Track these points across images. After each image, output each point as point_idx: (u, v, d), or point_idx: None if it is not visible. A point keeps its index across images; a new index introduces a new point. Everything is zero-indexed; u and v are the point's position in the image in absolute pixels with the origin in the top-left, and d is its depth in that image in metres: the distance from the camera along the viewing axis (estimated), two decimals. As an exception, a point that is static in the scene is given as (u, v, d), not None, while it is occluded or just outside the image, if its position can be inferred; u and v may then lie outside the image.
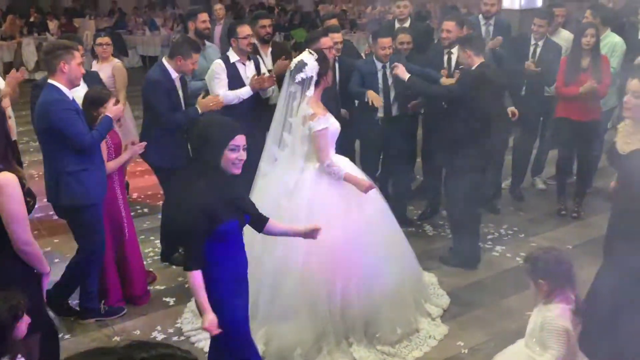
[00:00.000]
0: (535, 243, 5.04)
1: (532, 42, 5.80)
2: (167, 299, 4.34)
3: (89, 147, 3.67)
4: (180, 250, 4.90)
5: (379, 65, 5.12)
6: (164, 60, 4.54)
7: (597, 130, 5.64)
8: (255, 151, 4.19)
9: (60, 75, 3.61)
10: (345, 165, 3.76)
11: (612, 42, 5.82)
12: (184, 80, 4.66)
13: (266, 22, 5.42)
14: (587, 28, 5.29)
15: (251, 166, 3.69)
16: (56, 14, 16.13)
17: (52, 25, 14.77)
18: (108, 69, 5.75)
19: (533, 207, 5.87)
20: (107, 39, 5.85)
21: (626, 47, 5.84)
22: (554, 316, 2.71)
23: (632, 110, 3.07)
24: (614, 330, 2.96)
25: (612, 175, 6.17)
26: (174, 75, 4.46)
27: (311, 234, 3.01)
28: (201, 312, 2.63)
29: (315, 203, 3.62)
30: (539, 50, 5.75)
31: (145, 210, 5.95)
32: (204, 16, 5.32)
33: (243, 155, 2.64)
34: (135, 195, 6.31)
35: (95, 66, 5.88)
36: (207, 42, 5.36)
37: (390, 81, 5.13)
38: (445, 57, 5.36)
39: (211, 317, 2.57)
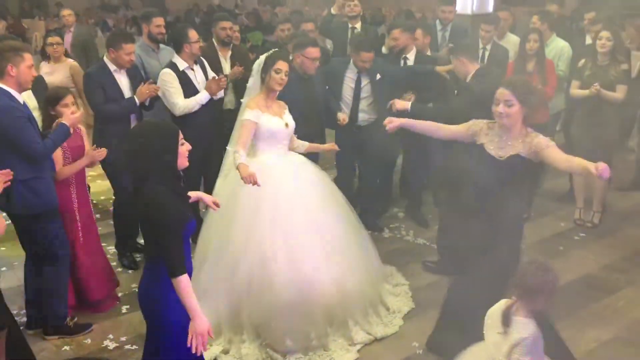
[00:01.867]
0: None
1: (480, 46, 5.93)
2: (120, 306, 4.25)
3: (41, 156, 3.56)
4: (129, 254, 4.86)
5: (353, 70, 5.05)
6: (104, 56, 4.60)
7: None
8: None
9: (9, 79, 3.50)
10: (254, 166, 3.70)
11: (557, 46, 6.01)
12: (133, 74, 4.65)
13: (226, 24, 5.37)
14: (530, 33, 5.45)
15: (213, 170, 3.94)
16: (3, 15, 15.62)
17: (0, 26, 14.29)
18: (64, 70, 5.61)
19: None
20: (57, 39, 5.72)
21: (573, 52, 6.02)
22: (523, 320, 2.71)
23: (504, 118, 3.24)
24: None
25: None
26: (113, 68, 4.52)
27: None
28: (193, 317, 2.47)
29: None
30: (487, 54, 5.89)
31: (97, 215, 5.80)
32: (158, 20, 5.25)
33: (188, 145, 2.65)
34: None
35: (47, 67, 5.74)
36: (161, 45, 5.28)
37: (364, 88, 5.07)
38: (402, 63, 5.41)
39: (207, 322, 2.44)
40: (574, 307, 4.24)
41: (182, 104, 4.67)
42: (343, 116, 4.99)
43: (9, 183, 3.05)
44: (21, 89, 3.59)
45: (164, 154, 2.54)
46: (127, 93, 4.59)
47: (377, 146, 4.99)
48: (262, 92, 3.95)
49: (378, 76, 5.02)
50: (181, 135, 2.62)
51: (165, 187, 2.53)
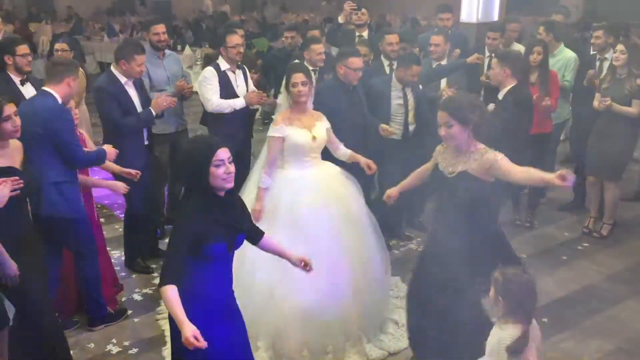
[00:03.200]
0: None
1: (487, 54, 5.95)
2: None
3: (80, 162, 3.78)
4: (139, 259, 4.88)
5: (397, 87, 5.02)
6: (112, 67, 4.55)
7: (548, 142, 5.79)
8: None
9: (63, 89, 3.71)
10: (275, 185, 3.82)
11: (565, 57, 5.99)
12: (139, 84, 4.65)
13: (240, 32, 5.41)
14: (535, 46, 5.45)
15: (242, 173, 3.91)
16: (11, 19, 15.73)
17: (8, 29, 14.38)
18: None
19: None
20: (64, 45, 5.74)
21: (580, 62, 6.03)
22: (506, 336, 2.67)
23: (448, 140, 3.22)
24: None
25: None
26: (123, 80, 4.47)
27: (300, 264, 2.94)
28: (179, 326, 2.42)
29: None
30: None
31: (102, 219, 5.83)
32: (157, 28, 5.20)
33: (230, 168, 2.58)
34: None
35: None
36: (167, 51, 5.31)
37: (409, 101, 5.04)
38: (388, 69, 5.51)
39: (192, 328, 2.36)
40: (577, 317, 4.24)
41: (215, 102, 4.78)
42: (385, 126, 4.84)
43: (18, 192, 3.06)
44: (64, 101, 3.76)
45: (190, 171, 2.57)
46: (136, 104, 4.56)
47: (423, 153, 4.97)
48: (288, 107, 3.99)
49: (420, 87, 5.04)
50: (220, 157, 2.55)
51: (194, 201, 2.56)
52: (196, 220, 2.53)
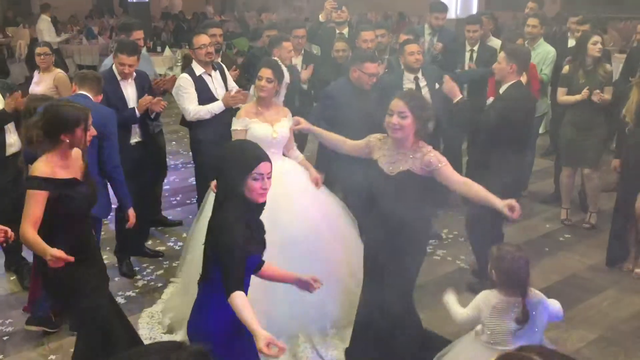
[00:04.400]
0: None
1: (468, 48, 5.99)
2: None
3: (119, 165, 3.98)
4: (127, 261, 4.86)
5: (409, 78, 5.02)
6: (113, 65, 4.66)
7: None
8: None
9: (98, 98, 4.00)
10: None
11: (544, 50, 6.07)
12: (141, 83, 4.68)
13: (217, 31, 5.39)
14: (519, 38, 5.49)
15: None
16: (-13, 23, 15.52)
17: (-17, 34, 14.20)
18: (49, 80, 5.59)
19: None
20: (45, 49, 5.67)
21: (557, 55, 6.09)
22: (492, 296, 2.89)
23: (397, 131, 3.18)
24: None
25: (546, 179, 6.48)
26: (119, 77, 4.57)
27: (305, 285, 2.81)
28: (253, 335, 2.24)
29: None
30: (475, 55, 5.94)
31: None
32: (138, 34, 5.24)
33: (268, 184, 2.51)
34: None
35: (37, 76, 5.70)
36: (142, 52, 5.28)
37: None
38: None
39: (265, 336, 2.15)
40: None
41: (193, 111, 4.71)
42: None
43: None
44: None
45: (228, 172, 2.50)
46: (132, 103, 4.60)
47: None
48: (254, 100, 4.05)
49: (437, 86, 4.95)
50: (261, 170, 2.47)
51: (239, 214, 2.47)
52: (242, 229, 2.44)
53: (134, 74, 4.65)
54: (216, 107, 4.75)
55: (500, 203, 3.00)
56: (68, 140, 2.93)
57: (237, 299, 2.29)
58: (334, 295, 3.85)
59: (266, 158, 2.51)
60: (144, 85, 4.75)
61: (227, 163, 2.52)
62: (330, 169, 4.52)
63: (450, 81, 4.35)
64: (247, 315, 2.24)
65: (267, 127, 3.95)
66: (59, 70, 5.82)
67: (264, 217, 3.41)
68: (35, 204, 2.82)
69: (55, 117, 2.93)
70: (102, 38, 14.23)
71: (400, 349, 3.41)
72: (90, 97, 3.94)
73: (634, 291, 4.56)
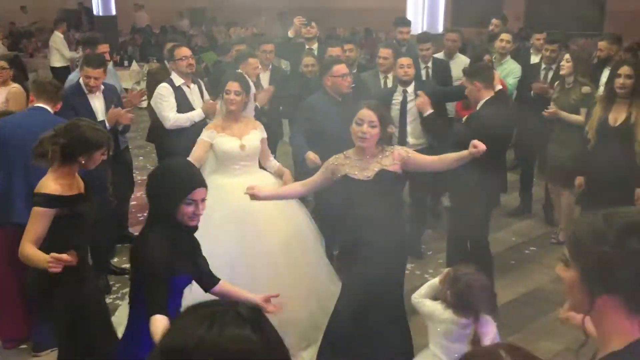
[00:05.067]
0: (441, 259, 5.21)
1: (422, 65, 6.10)
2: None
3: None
4: (104, 276, 4.78)
5: (399, 93, 5.10)
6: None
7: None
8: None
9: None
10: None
11: (510, 67, 6.25)
12: (109, 96, 4.66)
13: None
14: (484, 54, 5.59)
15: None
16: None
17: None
18: (3, 94, 5.46)
19: (441, 225, 6.06)
20: (3, 63, 5.56)
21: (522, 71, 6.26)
22: (445, 316, 2.89)
23: (366, 140, 3.30)
24: None
25: (512, 192, 6.58)
26: (86, 90, 4.55)
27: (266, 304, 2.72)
28: None
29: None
30: (430, 71, 6.05)
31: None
32: (103, 47, 5.24)
33: (201, 209, 2.48)
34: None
35: (-5, 91, 5.58)
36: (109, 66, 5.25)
37: (410, 111, 5.07)
38: (383, 82, 5.63)
39: None
40: (525, 320, 4.34)
41: (173, 118, 4.75)
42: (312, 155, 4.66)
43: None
44: None
45: (160, 198, 2.45)
46: (100, 116, 4.56)
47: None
48: (224, 114, 4.06)
49: (417, 92, 4.98)
50: (196, 197, 2.44)
51: (165, 236, 2.44)
52: (165, 249, 2.41)
53: (102, 87, 4.64)
54: (196, 115, 4.79)
55: (466, 152, 3.23)
56: (84, 162, 2.95)
57: (155, 322, 2.24)
58: (299, 313, 3.82)
59: (202, 184, 2.48)
60: (113, 99, 4.73)
61: (162, 185, 2.47)
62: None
63: (424, 96, 4.43)
64: (160, 333, 2.16)
65: (234, 140, 3.95)
66: (14, 84, 5.71)
67: (230, 231, 3.39)
68: (41, 221, 2.79)
69: (79, 139, 2.92)
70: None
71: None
72: (49, 108, 3.89)
73: None
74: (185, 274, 2.51)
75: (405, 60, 5.15)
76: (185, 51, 4.90)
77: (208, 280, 2.72)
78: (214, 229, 3.62)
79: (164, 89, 4.81)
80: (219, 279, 2.74)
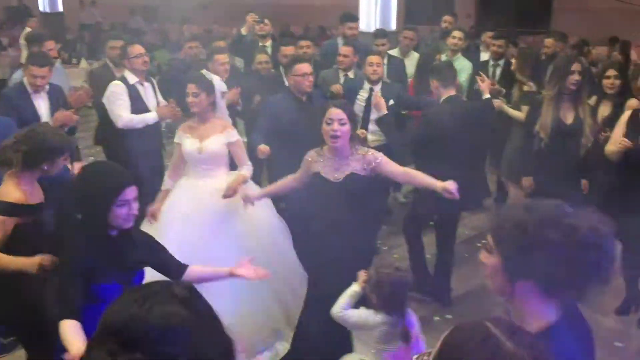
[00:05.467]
0: (397, 255, 5.28)
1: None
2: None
3: None
4: None
5: (365, 89, 5.14)
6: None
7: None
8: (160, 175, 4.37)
9: None
10: (174, 189, 3.95)
11: (461, 64, 6.32)
12: (54, 97, 4.50)
13: (117, 43, 5.28)
14: (436, 52, 5.67)
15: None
16: None
17: None
18: None
19: (395, 220, 6.12)
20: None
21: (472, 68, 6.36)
22: (373, 320, 2.88)
23: (338, 139, 3.31)
24: None
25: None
26: (30, 89, 4.37)
27: (245, 269, 2.73)
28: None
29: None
30: (385, 68, 6.10)
31: None
32: (49, 44, 5.10)
33: (134, 208, 2.40)
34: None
35: None
36: (57, 65, 5.11)
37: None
38: (343, 79, 5.60)
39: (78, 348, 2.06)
40: (479, 311, 4.41)
41: (127, 118, 4.62)
42: (361, 130, 4.73)
43: None
44: None
45: (87, 203, 2.37)
46: (45, 117, 4.40)
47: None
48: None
49: (391, 102, 4.97)
50: (127, 196, 2.36)
51: (90, 240, 2.37)
52: (85, 257, 2.34)
53: (47, 87, 4.47)
54: (150, 117, 4.68)
55: (439, 185, 3.24)
56: (47, 168, 2.90)
57: (63, 327, 2.21)
58: (273, 305, 3.88)
59: (130, 182, 2.40)
60: (59, 99, 4.56)
61: (89, 190, 2.37)
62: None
63: (378, 96, 4.45)
64: (68, 338, 2.16)
65: (195, 142, 3.88)
66: None
67: (189, 234, 3.34)
68: (1, 229, 2.72)
69: (41, 145, 2.86)
70: (12, 50, 13.56)
71: None
72: None
73: None
74: (112, 284, 2.39)
75: (374, 59, 5.19)
76: (139, 48, 4.80)
77: (176, 270, 2.67)
78: (180, 225, 3.67)
79: (117, 86, 4.68)
80: (186, 266, 2.69)
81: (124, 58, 4.79)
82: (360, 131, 4.66)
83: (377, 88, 5.16)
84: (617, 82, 4.59)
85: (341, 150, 3.36)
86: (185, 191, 3.90)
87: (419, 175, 3.48)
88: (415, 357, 1.35)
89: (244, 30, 6.52)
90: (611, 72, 4.62)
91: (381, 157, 3.39)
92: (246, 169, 3.99)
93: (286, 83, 5.49)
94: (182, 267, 2.68)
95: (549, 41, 6.44)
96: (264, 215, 4.04)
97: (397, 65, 6.21)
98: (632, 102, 4.66)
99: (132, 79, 4.76)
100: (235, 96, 5.28)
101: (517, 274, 1.44)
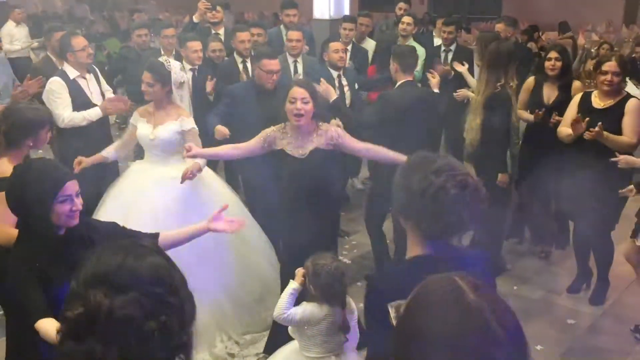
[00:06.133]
0: (355, 241, 5.30)
1: None
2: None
3: None
4: None
5: (334, 73, 5.13)
6: None
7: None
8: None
9: None
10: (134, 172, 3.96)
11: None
12: None
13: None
14: (392, 39, 5.69)
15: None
16: None
17: None
18: None
19: (353, 206, 6.14)
20: None
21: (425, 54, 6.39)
22: (310, 310, 2.86)
23: (303, 117, 3.42)
24: None
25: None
26: None
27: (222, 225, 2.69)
28: None
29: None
30: (348, 54, 6.08)
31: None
32: None
33: (77, 204, 2.28)
34: None
35: None
36: None
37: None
38: (241, 66, 5.48)
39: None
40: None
41: (67, 117, 4.37)
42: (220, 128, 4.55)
43: None
44: None
45: (26, 206, 2.23)
46: None
47: None
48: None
49: (356, 86, 5.07)
50: (67, 192, 2.25)
51: (37, 245, 2.25)
52: (35, 263, 2.23)
53: None
54: (93, 113, 4.44)
55: (404, 159, 3.23)
56: (32, 144, 2.93)
57: (43, 325, 2.13)
58: (245, 298, 3.94)
59: (69, 177, 2.31)
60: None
61: (26, 190, 2.23)
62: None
63: (325, 83, 4.41)
64: (50, 333, 2.01)
65: (148, 128, 3.85)
66: None
67: (144, 225, 3.25)
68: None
69: (20, 122, 2.88)
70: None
71: None
72: None
73: (522, 279, 4.81)
74: (62, 283, 2.24)
75: (339, 45, 5.20)
76: (83, 41, 4.54)
77: (149, 240, 2.58)
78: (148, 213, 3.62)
79: (56, 83, 4.39)
80: (157, 233, 2.60)
81: (69, 51, 4.48)
82: (335, 122, 4.60)
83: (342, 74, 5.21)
84: (558, 63, 4.68)
85: (304, 129, 3.46)
86: (134, 179, 3.89)
87: (382, 150, 3.55)
88: (392, 304, 1.47)
89: (195, 18, 6.39)
90: (552, 55, 4.74)
91: (343, 134, 3.52)
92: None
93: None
94: (154, 236, 2.58)
95: (499, 26, 6.49)
96: (220, 193, 4.03)
97: (360, 52, 6.21)
98: (576, 84, 4.84)
99: (73, 73, 4.48)
100: (210, 87, 5.15)
101: (405, 216, 1.78)
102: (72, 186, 2.28)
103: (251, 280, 3.99)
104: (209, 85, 5.17)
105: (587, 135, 3.98)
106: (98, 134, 4.51)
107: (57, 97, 4.38)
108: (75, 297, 1.20)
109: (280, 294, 3.01)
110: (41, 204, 2.21)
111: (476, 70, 6.24)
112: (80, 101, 4.47)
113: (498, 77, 4.40)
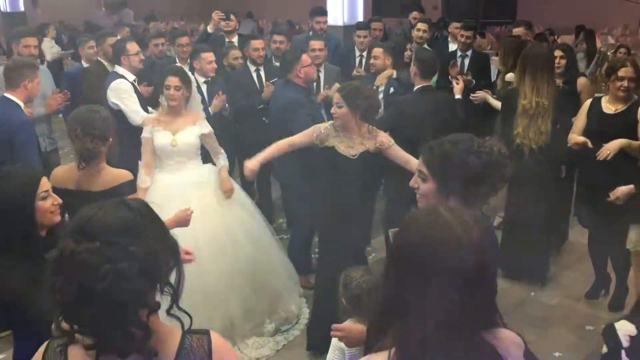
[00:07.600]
0: (369, 247, 5.28)
1: (357, 54, 6.14)
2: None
3: None
4: None
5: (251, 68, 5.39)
6: None
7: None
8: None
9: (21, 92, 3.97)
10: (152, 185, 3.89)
11: (426, 55, 6.36)
12: None
13: (32, 41, 5.16)
14: (405, 43, 5.71)
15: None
16: None
17: None
18: None
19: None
20: None
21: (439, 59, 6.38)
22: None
23: (340, 119, 3.52)
24: None
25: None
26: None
27: (182, 221, 2.90)
28: None
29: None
30: (364, 60, 6.09)
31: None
32: (27, 41, 4.96)
33: (57, 197, 2.30)
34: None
35: None
36: (40, 66, 4.94)
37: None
38: (255, 75, 5.52)
39: None
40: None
41: (143, 114, 4.49)
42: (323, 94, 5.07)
43: None
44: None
45: (14, 214, 2.16)
46: None
47: None
48: (166, 109, 4.02)
49: (337, 85, 4.93)
50: (45, 187, 2.24)
51: (22, 257, 2.15)
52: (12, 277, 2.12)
53: None
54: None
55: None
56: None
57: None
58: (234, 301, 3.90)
59: (40, 173, 2.32)
60: None
61: (4, 195, 2.18)
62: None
63: (329, 91, 4.63)
64: None
65: (167, 135, 3.87)
66: None
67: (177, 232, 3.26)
68: None
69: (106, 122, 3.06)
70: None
71: None
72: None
73: (539, 285, 4.75)
74: None
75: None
76: (136, 46, 4.79)
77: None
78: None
79: (125, 83, 4.61)
80: None
81: (123, 54, 4.70)
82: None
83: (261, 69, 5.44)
84: (563, 61, 4.93)
85: (351, 130, 3.53)
86: (161, 188, 3.84)
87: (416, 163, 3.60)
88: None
89: (210, 28, 6.45)
90: (557, 53, 4.92)
91: (392, 142, 3.58)
92: (222, 158, 4.09)
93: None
94: None
95: (519, 30, 6.45)
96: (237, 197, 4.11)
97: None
98: (582, 80, 5.07)
99: (130, 76, 4.71)
100: (222, 103, 5.06)
101: (449, 192, 1.96)
102: (46, 182, 2.29)
103: (263, 288, 4.02)
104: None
105: (600, 156, 3.86)
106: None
107: (130, 95, 4.58)
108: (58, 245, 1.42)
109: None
110: (23, 203, 2.19)
111: (494, 71, 6.26)
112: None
113: (543, 78, 4.35)
